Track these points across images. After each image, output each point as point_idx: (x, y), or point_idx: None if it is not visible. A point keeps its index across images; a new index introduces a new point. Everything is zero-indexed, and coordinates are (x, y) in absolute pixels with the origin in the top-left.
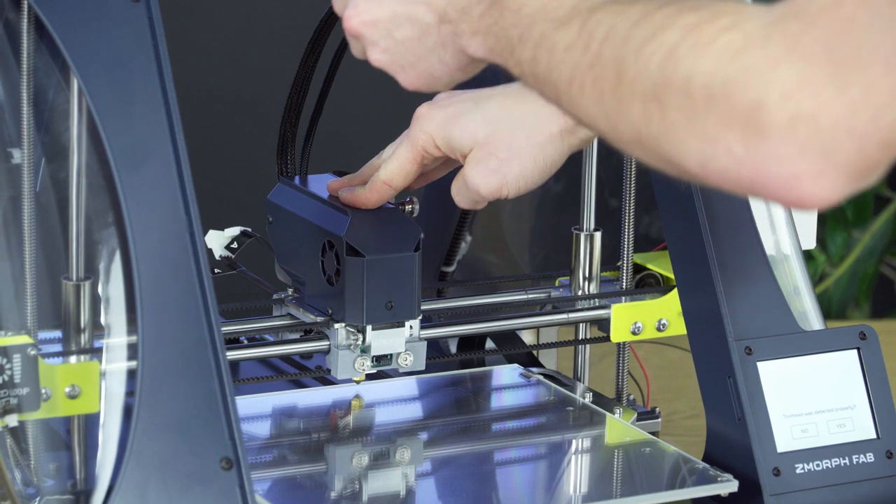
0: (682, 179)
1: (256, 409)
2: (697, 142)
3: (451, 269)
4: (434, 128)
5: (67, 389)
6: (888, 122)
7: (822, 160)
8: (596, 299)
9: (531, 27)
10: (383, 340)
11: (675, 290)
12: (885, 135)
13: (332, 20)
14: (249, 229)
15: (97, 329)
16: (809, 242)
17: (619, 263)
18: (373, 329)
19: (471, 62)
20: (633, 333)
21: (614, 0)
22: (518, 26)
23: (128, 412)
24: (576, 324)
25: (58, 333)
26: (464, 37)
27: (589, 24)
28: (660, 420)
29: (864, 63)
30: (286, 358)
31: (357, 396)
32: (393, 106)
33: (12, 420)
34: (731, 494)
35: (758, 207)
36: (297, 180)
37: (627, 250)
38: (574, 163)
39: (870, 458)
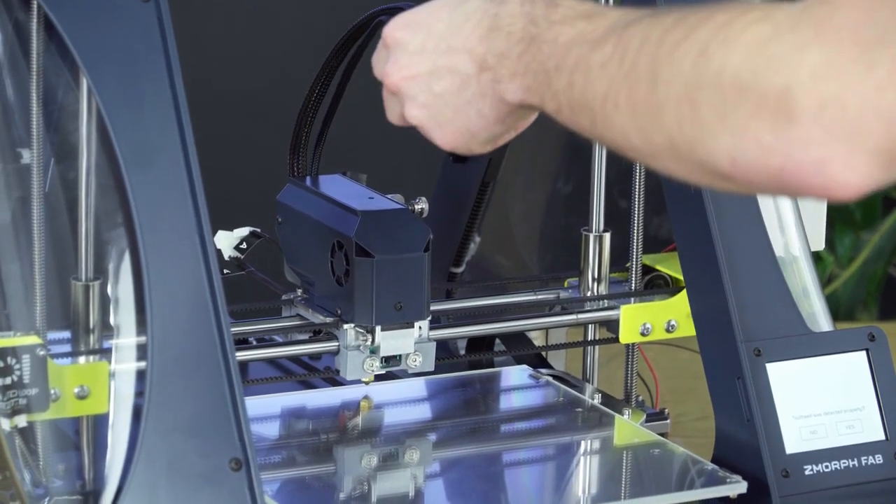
0: (715, 187)
1: (266, 409)
2: (728, 137)
3: (460, 269)
4: None
5: (76, 390)
6: None
7: (850, 143)
8: (605, 300)
9: (567, 54)
10: (392, 341)
11: (684, 292)
12: None
13: (361, 30)
14: (259, 230)
15: (106, 329)
16: (818, 244)
17: (628, 265)
18: (382, 330)
19: (509, 112)
20: (642, 335)
21: (650, 13)
22: (555, 56)
23: (137, 413)
24: (585, 325)
25: (67, 334)
26: (503, 82)
27: (624, 37)
28: (669, 421)
29: (891, 42)
30: (295, 359)
31: (366, 397)
32: None
33: (21, 420)
34: (739, 496)
35: (767, 208)
36: (306, 181)
37: (636, 251)
38: (583, 164)
39: (878, 459)
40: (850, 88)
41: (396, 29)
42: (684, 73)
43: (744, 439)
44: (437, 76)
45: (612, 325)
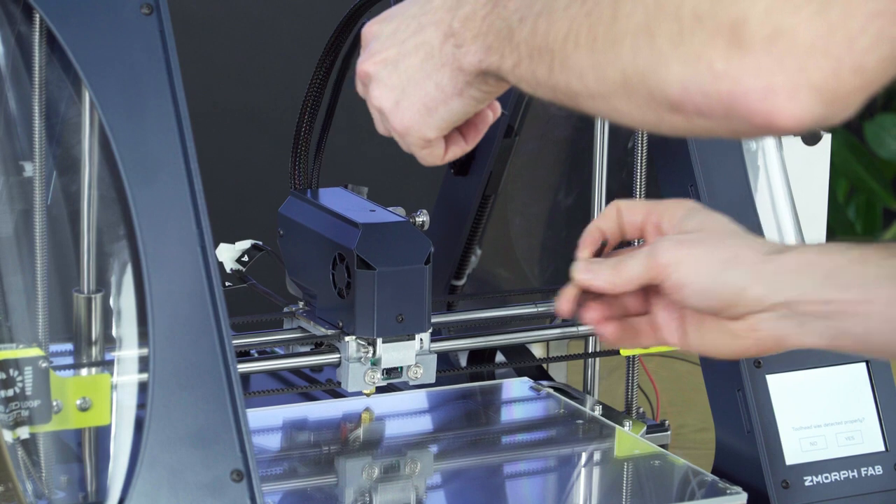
0: (661, 125)
1: (267, 421)
2: (682, 64)
3: (461, 282)
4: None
5: (78, 402)
6: (863, 46)
7: (796, 75)
8: None
9: (533, 4)
10: (394, 353)
11: None
12: (858, 59)
13: (344, 33)
14: (260, 242)
15: (108, 341)
16: None
17: None
18: (383, 342)
19: (467, 84)
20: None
21: None
22: (520, 10)
23: (139, 424)
24: (585, 337)
25: (69, 346)
26: (464, 45)
27: None
28: (669, 433)
29: None
30: (297, 371)
31: (367, 409)
32: None
33: (24, 432)
34: None
35: (766, 219)
36: (308, 194)
37: None
38: (584, 176)
39: (878, 470)
40: (802, 24)
41: (373, 24)
42: (646, 4)
43: (744, 451)
44: (405, 55)
45: None
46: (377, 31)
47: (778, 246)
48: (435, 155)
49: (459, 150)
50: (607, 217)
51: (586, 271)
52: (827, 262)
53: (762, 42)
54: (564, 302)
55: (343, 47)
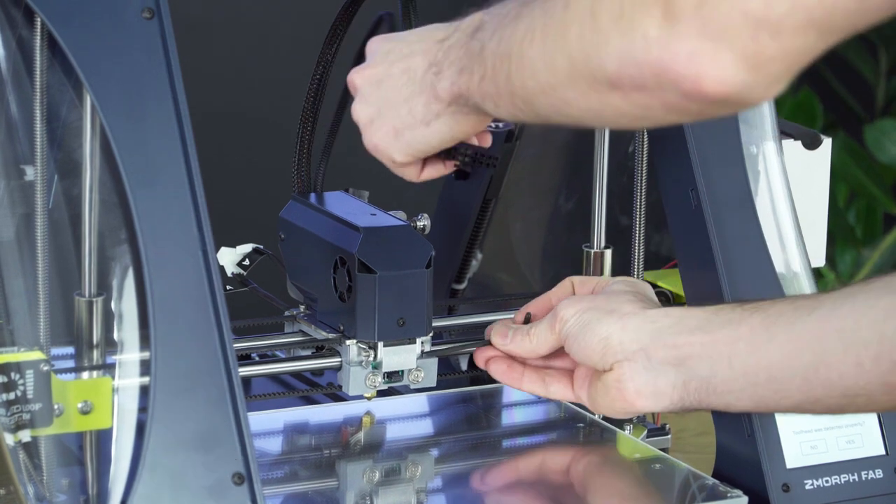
0: (605, 112)
1: (268, 425)
2: (619, 38)
3: (462, 286)
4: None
5: (80, 405)
6: (780, 12)
7: (718, 40)
8: None
9: (504, 17)
10: (395, 357)
11: None
12: (776, 24)
13: (336, 37)
14: (261, 246)
15: (110, 345)
16: (819, 260)
17: None
18: (384, 345)
19: (437, 115)
20: None
21: None
22: (493, 25)
23: (140, 428)
24: None
25: (70, 349)
26: (442, 72)
27: None
28: (670, 437)
29: None
30: (298, 374)
31: (368, 413)
32: None
33: (25, 435)
34: None
35: (768, 225)
36: (309, 197)
37: (638, 268)
38: (584, 181)
39: (878, 474)
40: None
41: (377, 40)
42: None
43: (744, 454)
44: (389, 76)
45: None
46: (377, 48)
47: (659, 307)
48: (408, 174)
49: (436, 172)
50: (563, 288)
51: (502, 336)
52: (685, 314)
53: (691, 9)
54: (479, 360)
55: (339, 44)
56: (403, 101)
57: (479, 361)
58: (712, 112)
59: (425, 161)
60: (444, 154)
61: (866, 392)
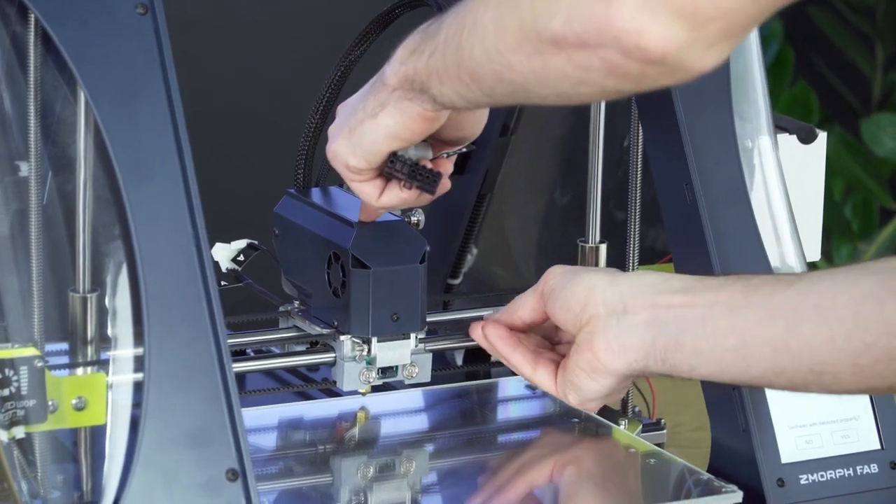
0: (548, 73)
1: (262, 420)
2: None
3: (456, 281)
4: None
5: (74, 401)
6: None
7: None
8: None
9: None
10: (389, 352)
11: None
12: None
13: (364, 41)
14: (256, 242)
15: (104, 341)
16: (814, 254)
17: None
18: (378, 341)
19: (383, 104)
20: None
21: None
22: (455, 10)
23: (134, 424)
24: None
25: (64, 345)
26: (393, 57)
27: None
28: (665, 432)
29: None
30: (292, 370)
31: (363, 408)
32: None
33: (19, 432)
34: None
35: (763, 219)
36: (303, 193)
37: (633, 263)
38: (580, 175)
39: (874, 468)
40: None
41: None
42: None
43: (739, 449)
44: (359, 92)
45: None
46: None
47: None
48: (366, 192)
49: (395, 197)
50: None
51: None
52: (672, 276)
53: None
54: (475, 331)
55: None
56: (359, 102)
57: (475, 332)
58: (653, 77)
59: (386, 184)
60: (388, 166)
61: (834, 371)
